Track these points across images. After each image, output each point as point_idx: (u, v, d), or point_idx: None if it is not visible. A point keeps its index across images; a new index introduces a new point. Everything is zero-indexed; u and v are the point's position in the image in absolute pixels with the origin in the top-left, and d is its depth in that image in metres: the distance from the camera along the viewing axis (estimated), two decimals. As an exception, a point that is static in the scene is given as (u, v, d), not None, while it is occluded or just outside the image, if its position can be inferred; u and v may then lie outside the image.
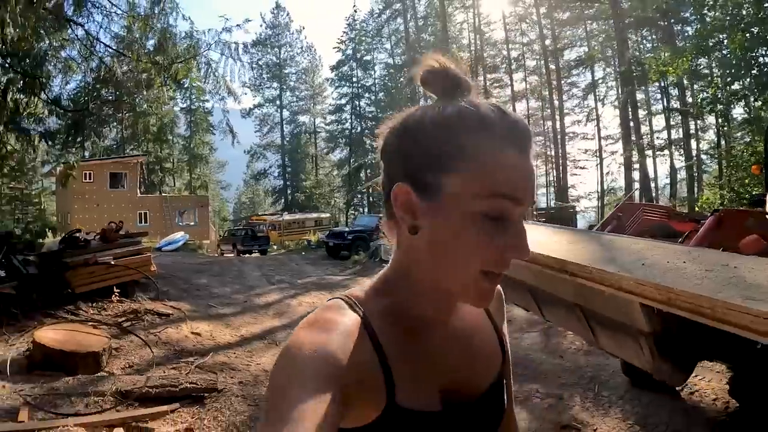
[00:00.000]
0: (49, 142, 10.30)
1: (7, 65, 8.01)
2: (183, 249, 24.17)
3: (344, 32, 51.59)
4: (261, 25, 53.85)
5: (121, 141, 45.56)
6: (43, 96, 9.02)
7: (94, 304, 7.40)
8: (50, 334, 5.25)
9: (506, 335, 0.90)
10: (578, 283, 2.09)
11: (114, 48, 10.21)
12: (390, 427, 0.67)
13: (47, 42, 8.41)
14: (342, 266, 15.52)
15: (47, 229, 29.29)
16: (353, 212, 46.99)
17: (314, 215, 38.46)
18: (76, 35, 8.83)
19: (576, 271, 2.08)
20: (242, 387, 4.70)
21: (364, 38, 50.29)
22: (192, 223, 36.61)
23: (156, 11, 9.22)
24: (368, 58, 51.01)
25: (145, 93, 11.15)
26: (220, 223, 50.74)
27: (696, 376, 3.96)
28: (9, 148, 10.72)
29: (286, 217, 36.91)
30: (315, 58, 55.83)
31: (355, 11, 51.36)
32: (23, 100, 8.87)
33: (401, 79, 46.23)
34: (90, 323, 6.49)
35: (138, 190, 37.08)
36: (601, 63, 38.38)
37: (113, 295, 7.61)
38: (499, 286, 0.85)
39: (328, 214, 41.93)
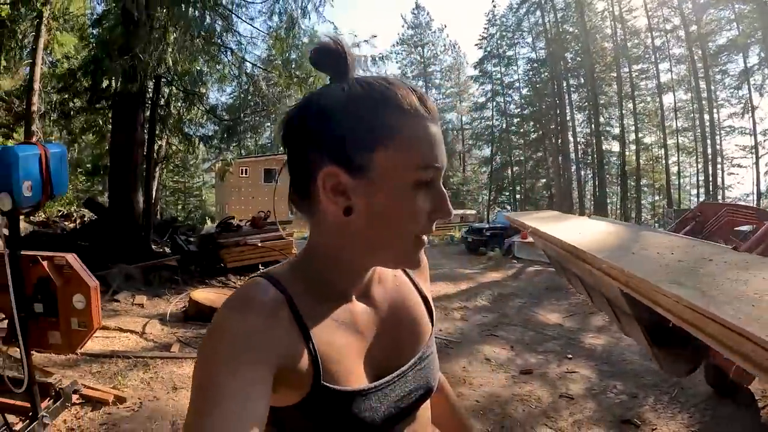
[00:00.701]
0: (206, 145, 11.77)
1: (169, 81, 9.38)
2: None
3: (485, 28, 50.35)
4: (402, 26, 55.36)
5: (275, 139, 49.31)
6: (201, 107, 10.44)
7: (241, 277, 8.77)
8: (203, 294, 6.65)
9: (430, 297, 0.91)
10: (588, 269, 2.15)
11: (258, 65, 11.57)
12: (317, 405, 0.67)
13: (202, 62, 9.68)
14: (476, 261, 15.64)
15: (206, 218, 32.72)
16: (499, 209, 46.31)
17: (460, 212, 38.52)
18: (227, 56, 10.08)
19: (579, 254, 2.14)
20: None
21: (505, 33, 49.05)
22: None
23: (290, 34, 10.25)
24: (510, 53, 49.08)
25: (287, 102, 12.33)
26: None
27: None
28: (173, 148, 12.97)
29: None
30: (459, 56, 55.23)
31: (494, 6, 50.26)
32: (184, 110, 10.39)
33: (545, 74, 44.43)
34: (229, 289, 7.87)
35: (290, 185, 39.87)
36: (755, 46, 32.24)
37: (258, 271, 8.78)
38: (424, 256, 0.89)
39: (474, 211, 41.70)
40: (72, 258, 2.76)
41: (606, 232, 2.89)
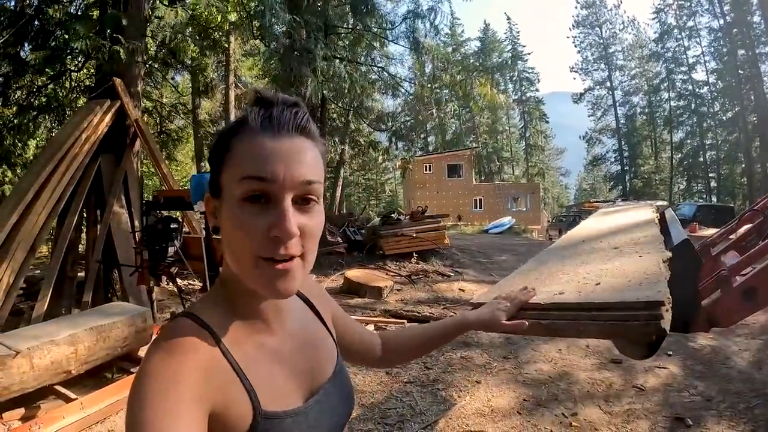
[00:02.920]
0: (374, 149, 13.34)
1: (333, 100, 11.17)
2: (508, 232, 25.86)
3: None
4: (576, 7, 51.70)
5: (459, 135, 50.25)
6: (365, 119, 12.02)
7: (396, 263, 10.19)
8: (355, 273, 8.14)
9: (332, 327, 0.97)
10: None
11: (407, 80, 12.94)
12: None
13: (360, 82, 11.16)
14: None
15: (392, 212, 34.85)
16: (696, 200, 42.14)
17: (648, 203, 35.92)
18: (381, 76, 11.49)
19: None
20: None
21: (682, 2, 43.61)
22: (523, 209, 38.01)
23: (418, 55, 11.44)
24: (691, 23, 43.79)
25: (435, 108, 13.46)
26: (559, 209, 51.20)
27: None
28: (348, 153, 15.19)
29: (619, 203, 35.37)
30: (639, 32, 50.92)
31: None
32: (353, 122, 12.01)
33: (737, 42, 38.81)
34: (383, 271, 9.44)
35: (473, 179, 40.27)
36: None
37: (412, 258, 10.42)
38: (315, 281, 0.97)
39: (664, 202, 38.61)
40: None
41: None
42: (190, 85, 18.95)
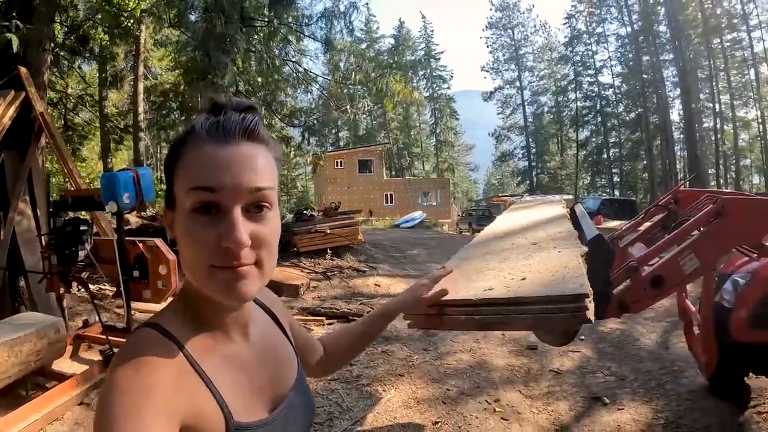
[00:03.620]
0: (287, 145, 13.12)
1: (246, 95, 10.87)
2: (419, 226, 26.12)
3: (572, 5, 49.00)
4: (491, 9, 54.23)
5: (370, 130, 50.77)
6: (278, 113, 11.87)
7: (311, 260, 10.08)
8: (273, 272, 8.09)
9: (291, 336, 0.96)
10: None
11: (321, 76, 12.94)
12: None
13: (276, 78, 10.97)
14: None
15: (306, 208, 34.89)
16: (600, 194, 44.67)
17: (555, 197, 37.67)
18: (295, 71, 11.36)
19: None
20: None
21: (593, 10, 46.86)
22: (434, 203, 38.91)
23: (329, 52, 11.48)
24: (600, 30, 47.41)
25: (349, 104, 13.43)
26: (468, 204, 52.74)
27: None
28: None
29: (526, 198, 36.84)
30: (550, 36, 54.38)
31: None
32: (266, 117, 12.00)
33: (642, 49, 42.06)
34: (298, 268, 9.28)
35: (384, 174, 40.81)
36: None
37: (326, 255, 10.32)
38: (270, 292, 0.97)
39: (570, 196, 40.68)
40: (159, 241, 4.33)
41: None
42: (97, 75, 17.98)
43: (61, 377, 4.12)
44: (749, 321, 3.00)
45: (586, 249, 2.11)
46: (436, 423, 3.61)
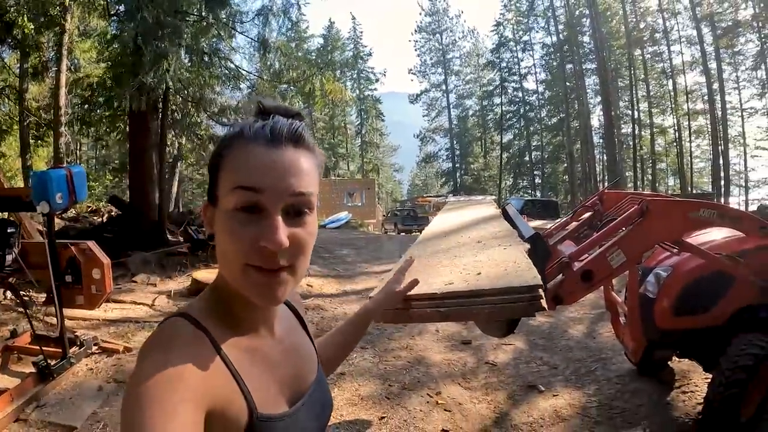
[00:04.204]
0: (214, 144, 12.90)
1: (176, 92, 10.53)
2: (345, 227, 26.14)
3: (500, 14, 50.62)
4: (420, 13, 55.31)
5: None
6: (207, 111, 11.66)
7: None
8: (203, 274, 7.63)
9: (312, 336, 0.98)
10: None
11: (253, 74, 12.94)
12: None
13: (206, 74, 10.73)
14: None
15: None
16: (523, 194, 46.20)
17: (480, 198, 38.53)
18: (226, 68, 11.23)
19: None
20: (318, 320, 6.24)
21: (520, 19, 48.85)
22: (359, 204, 38.83)
23: (264, 54, 11.40)
24: (526, 38, 49.35)
25: (280, 101, 13.41)
26: (392, 204, 53.19)
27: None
28: (188, 147, 14.32)
29: (450, 198, 37.51)
30: (477, 41, 55.69)
31: (508, -10, 49.35)
32: (194, 115, 11.58)
33: (563, 58, 44.12)
34: None
35: (309, 174, 40.72)
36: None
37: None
38: (296, 292, 0.98)
39: (493, 197, 41.80)
40: (92, 244, 4.19)
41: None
42: (18, 65, 16.80)
43: None
44: (672, 309, 3.26)
45: (528, 246, 2.28)
46: (382, 418, 3.70)
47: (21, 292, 4.58)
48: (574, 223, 4.16)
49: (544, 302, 1.47)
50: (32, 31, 11.61)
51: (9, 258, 4.24)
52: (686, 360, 3.90)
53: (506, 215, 3.52)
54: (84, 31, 15.57)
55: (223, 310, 0.76)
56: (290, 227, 0.69)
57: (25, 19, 10.56)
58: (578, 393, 4.08)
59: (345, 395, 4.12)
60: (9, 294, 4.86)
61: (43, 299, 4.55)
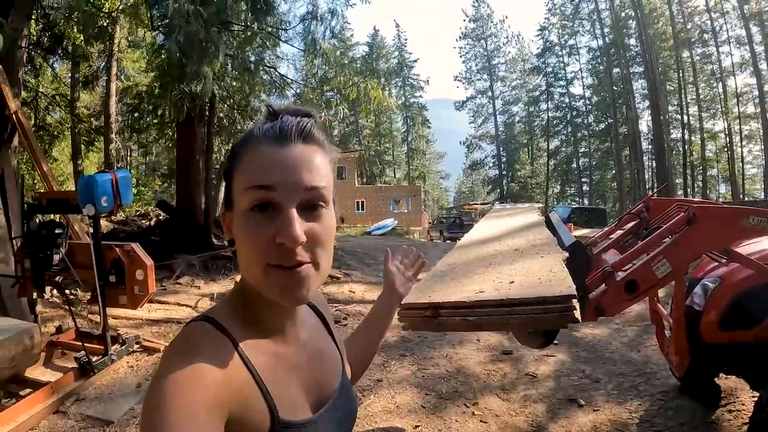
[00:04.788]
0: None
1: (223, 99, 10.76)
2: (391, 234, 26.30)
3: (545, 18, 50.17)
4: (464, 20, 55.29)
5: (343, 137, 50.77)
6: (252, 119, 11.98)
7: None
8: None
9: (338, 339, 0.96)
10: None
11: (298, 81, 12.95)
12: None
13: (250, 82, 10.95)
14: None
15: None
16: (570, 202, 45.38)
17: (526, 205, 38.04)
18: (272, 76, 11.45)
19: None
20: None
21: (565, 23, 48.06)
22: (405, 211, 39.00)
23: (313, 57, 11.49)
24: (572, 42, 48.46)
25: (325, 110, 13.41)
26: (439, 212, 53.01)
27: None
28: None
29: (496, 206, 37.13)
30: (522, 47, 55.28)
31: (553, -6, 48.64)
32: (239, 122, 11.92)
33: (613, 62, 42.97)
34: None
35: (356, 181, 40.88)
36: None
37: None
38: (321, 293, 0.98)
39: (540, 205, 41.17)
40: (136, 246, 4.30)
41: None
42: (70, 75, 17.62)
43: (36, 385, 4.02)
44: (719, 323, 3.12)
45: (566, 254, 2.20)
46: (417, 427, 3.65)
47: (67, 291, 4.74)
48: (620, 232, 4.00)
49: (577, 313, 1.40)
50: (82, 42, 12.11)
51: (56, 257, 4.44)
52: (733, 377, 3.70)
53: (549, 223, 3.44)
54: (133, 42, 16.18)
55: (247, 314, 0.75)
56: (306, 222, 0.69)
57: (75, 30, 11.01)
58: (619, 408, 3.93)
59: (381, 402, 4.08)
60: (56, 292, 5.03)
61: (89, 298, 4.70)
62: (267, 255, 0.67)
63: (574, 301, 1.42)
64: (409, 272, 1.34)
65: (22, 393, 4.02)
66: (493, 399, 4.13)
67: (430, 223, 36.02)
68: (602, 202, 44.19)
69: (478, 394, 4.22)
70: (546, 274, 1.73)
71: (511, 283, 1.70)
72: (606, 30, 43.00)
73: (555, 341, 5.43)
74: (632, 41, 41.08)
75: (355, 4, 12.18)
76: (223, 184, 0.75)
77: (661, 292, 4.29)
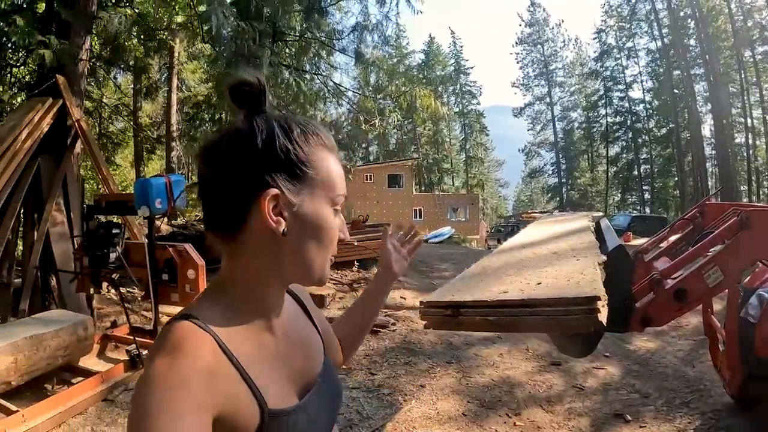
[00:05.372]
0: None
1: (277, 108, 11.03)
2: (447, 242, 26.12)
3: (602, 20, 48.58)
4: (520, 25, 54.06)
5: (400, 145, 50.91)
6: None
7: (337, 271, 10.09)
8: None
9: (318, 324, 0.99)
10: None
11: (353, 90, 13.21)
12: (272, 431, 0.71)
13: (306, 92, 11.21)
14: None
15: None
16: (631, 211, 43.93)
17: (583, 214, 37.11)
18: (326, 85, 11.63)
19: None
20: (406, 332, 6.09)
21: (623, 24, 46.26)
22: (463, 219, 38.63)
23: (365, 66, 11.56)
24: (630, 45, 46.51)
25: (378, 118, 13.53)
26: (497, 220, 52.35)
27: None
28: None
29: (555, 214, 36.43)
30: (580, 51, 53.74)
31: (608, -5, 47.01)
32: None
33: (673, 63, 41.20)
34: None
35: (413, 189, 40.70)
36: None
37: (353, 266, 10.44)
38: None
39: (600, 213, 40.10)
40: (189, 246, 4.43)
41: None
42: (132, 86, 18.51)
43: (87, 373, 4.27)
44: None
45: (604, 258, 2.12)
46: (455, 434, 3.58)
47: (122, 288, 4.95)
48: (673, 238, 3.85)
49: (602, 316, 1.34)
50: (142, 54, 12.65)
51: (113, 256, 4.66)
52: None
53: (598, 229, 3.34)
54: (192, 54, 16.84)
55: (232, 307, 0.76)
56: None
57: (135, 44, 11.51)
58: (667, 426, 3.76)
59: (422, 408, 4.06)
60: (112, 289, 5.27)
61: (142, 295, 4.89)
62: (334, 248, 0.81)
63: (599, 303, 1.35)
64: (404, 250, 1.29)
65: (73, 381, 4.27)
66: (536, 410, 4.03)
67: (488, 231, 35.66)
68: (664, 211, 42.52)
69: (521, 404, 4.13)
70: (576, 277, 1.67)
71: (538, 284, 1.66)
72: (664, 31, 41.37)
73: (606, 353, 5.30)
74: (692, 42, 39.31)
75: (401, 14, 12.29)
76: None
77: (716, 304, 4.06)
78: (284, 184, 0.72)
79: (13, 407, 3.58)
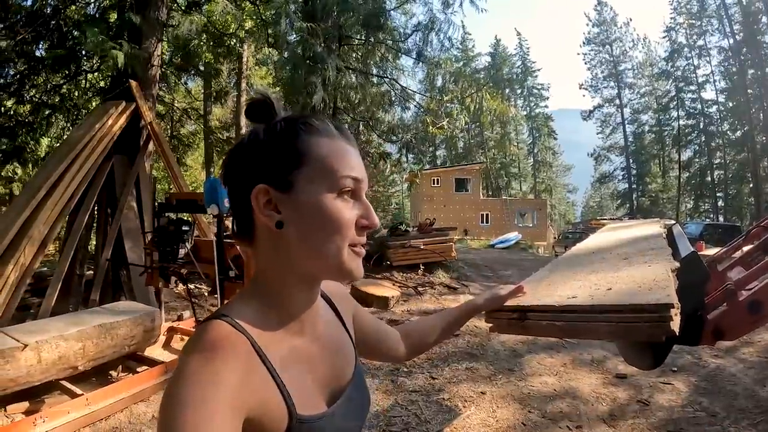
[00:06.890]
0: (386, 160, 13.32)
1: (345, 110, 11.20)
2: (514, 247, 25.76)
3: (671, 17, 46.35)
4: (587, 24, 52.43)
5: (468, 149, 50.54)
6: (376, 130, 12.28)
7: (403, 274, 10.22)
8: (363, 282, 8.09)
9: (351, 329, 0.98)
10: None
11: (421, 93, 13.42)
12: None
13: (374, 95, 11.33)
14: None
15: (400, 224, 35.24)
16: (703, 219, 41.98)
17: (654, 221, 35.76)
18: (393, 88, 11.73)
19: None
20: (470, 338, 6.10)
21: (693, 21, 43.94)
22: (530, 225, 38.11)
23: (434, 68, 11.54)
24: (701, 43, 44.08)
25: (446, 121, 13.53)
26: (565, 226, 51.23)
27: None
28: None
29: (625, 221, 35.30)
30: (650, 50, 51.63)
31: (677, -8, 44.82)
32: (365, 133, 12.43)
33: (747, 62, 38.99)
34: (390, 281, 9.44)
35: (480, 194, 40.48)
36: None
37: (419, 270, 10.44)
38: (344, 287, 1.02)
39: (671, 221, 38.51)
40: None
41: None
42: (202, 90, 19.24)
43: (152, 363, 4.45)
44: None
45: (677, 265, 2.02)
46: (513, 443, 3.50)
47: (190, 284, 5.13)
48: (748, 247, 3.65)
49: (674, 325, 1.26)
50: (212, 60, 13.07)
51: (182, 252, 4.85)
52: None
53: (670, 235, 3.20)
54: (260, 60, 17.35)
55: (265, 308, 0.77)
56: None
57: (205, 50, 11.92)
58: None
59: (481, 415, 4.00)
60: (180, 284, 5.47)
61: (209, 290, 5.03)
62: (353, 237, 0.74)
63: (672, 311, 1.28)
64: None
65: (138, 369, 4.46)
66: (598, 424, 3.88)
67: (555, 238, 34.98)
68: (738, 219, 40.36)
69: (583, 417, 3.99)
70: (647, 282, 1.59)
71: (609, 289, 1.59)
72: (736, 27, 39.17)
73: (674, 368, 5.07)
74: (766, 38, 37.08)
75: (467, 16, 12.29)
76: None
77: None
78: (273, 178, 0.73)
79: (78, 391, 3.77)
